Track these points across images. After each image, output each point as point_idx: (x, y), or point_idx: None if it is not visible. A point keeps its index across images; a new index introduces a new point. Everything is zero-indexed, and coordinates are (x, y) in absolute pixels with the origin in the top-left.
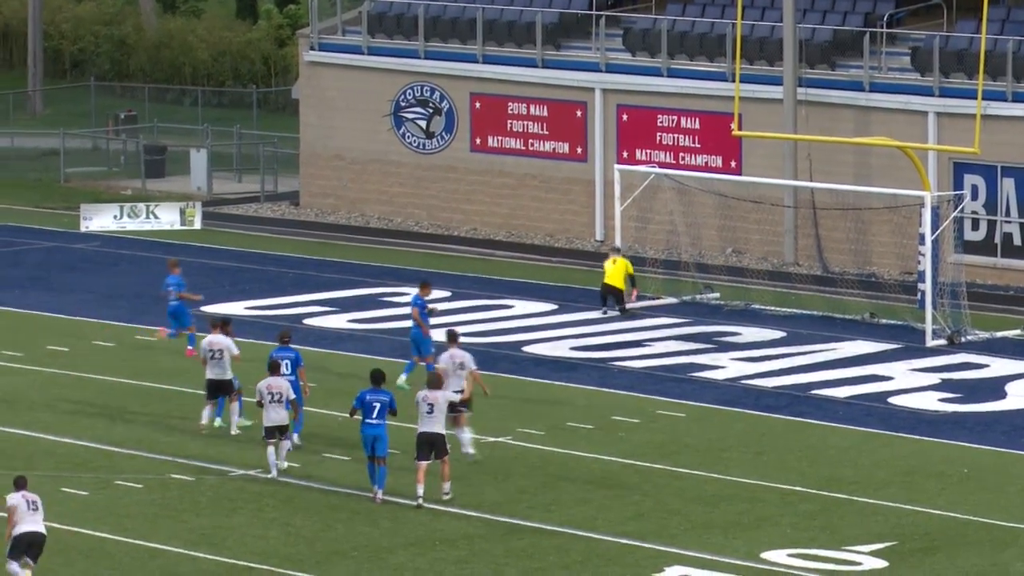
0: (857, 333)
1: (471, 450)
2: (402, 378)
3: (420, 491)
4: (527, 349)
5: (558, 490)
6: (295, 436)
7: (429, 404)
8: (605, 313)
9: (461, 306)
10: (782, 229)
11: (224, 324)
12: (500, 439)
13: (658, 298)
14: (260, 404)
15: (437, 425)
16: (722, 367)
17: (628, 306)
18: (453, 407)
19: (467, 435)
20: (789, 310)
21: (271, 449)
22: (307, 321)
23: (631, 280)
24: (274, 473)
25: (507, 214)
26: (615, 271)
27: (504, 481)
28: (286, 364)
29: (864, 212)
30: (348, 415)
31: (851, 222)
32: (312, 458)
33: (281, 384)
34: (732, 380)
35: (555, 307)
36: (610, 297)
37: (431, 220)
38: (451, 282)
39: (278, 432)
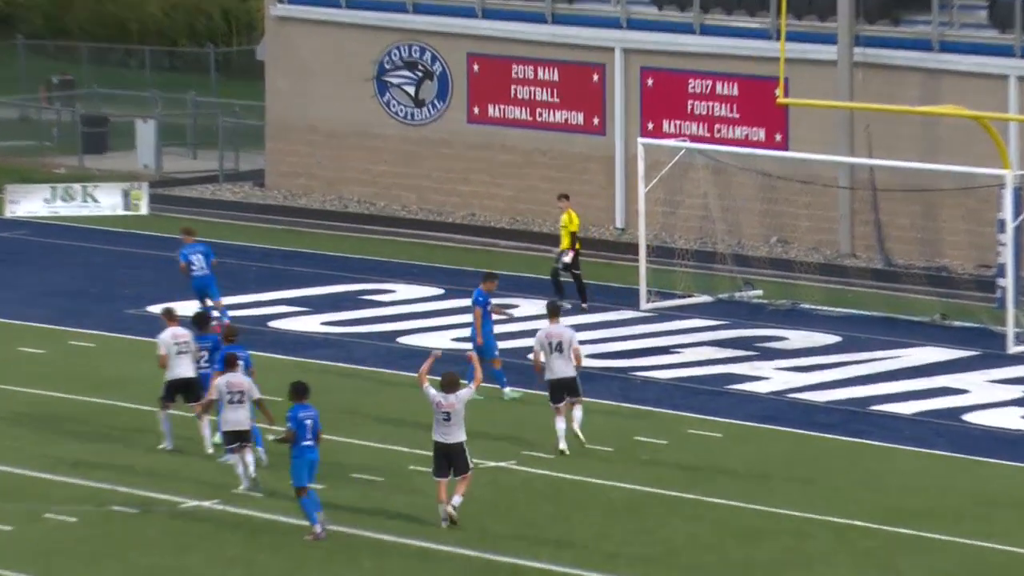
0: (925, 338)
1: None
2: (506, 390)
3: (443, 510)
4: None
5: (571, 523)
6: (260, 450)
7: (445, 412)
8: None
9: (457, 305)
10: (836, 215)
11: (170, 315)
12: (503, 464)
13: (689, 296)
14: (207, 409)
15: (456, 434)
16: (765, 378)
17: (562, 263)
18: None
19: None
20: (844, 310)
21: (235, 457)
22: (274, 324)
23: (573, 239)
24: (246, 485)
25: (511, 197)
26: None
27: (508, 513)
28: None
29: (933, 194)
30: (282, 439)
31: (917, 206)
32: (280, 485)
33: (242, 382)
34: (777, 393)
35: (566, 307)
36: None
37: (421, 204)
38: (445, 277)
39: (240, 438)
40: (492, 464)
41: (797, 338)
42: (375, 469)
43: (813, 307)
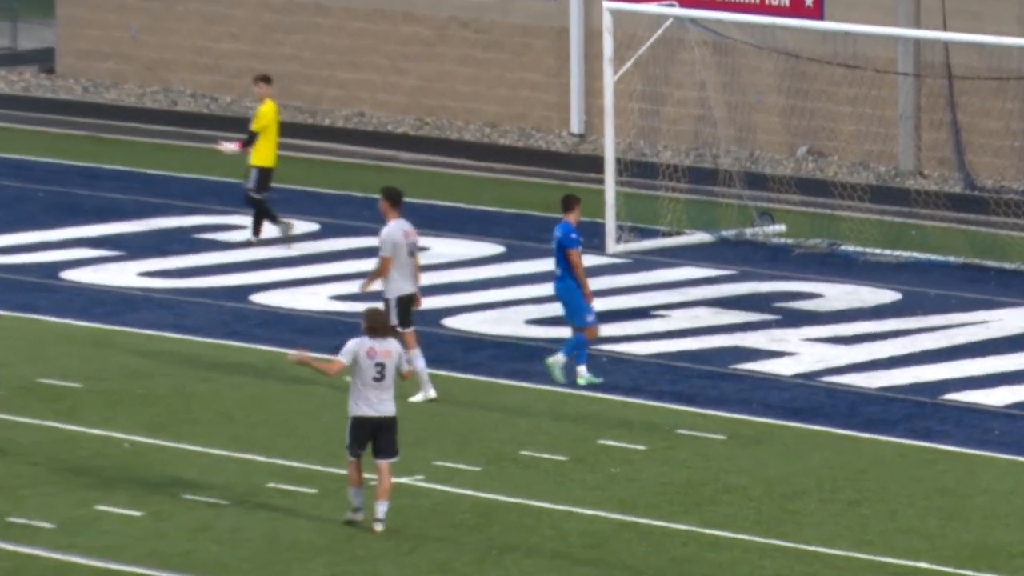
0: (1022, 294)
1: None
2: (582, 370)
3: (356, 499)
4: (451, 322)
5: (503, 568)
6: None
7: (379, 365)
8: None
9: (340, 247)
10: (893, 115)
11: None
12: (408, 479)
13: (679, 233)
14: None
15: (387, 403)
16: (790, 354)
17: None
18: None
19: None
20: (906, 254)
21: None
22: (66, 274)
23: (249, 140)
24: None
25: (417, 89)
26: (265, 138)
27: (412, 553)
28: None
29: None
30: None
31: (1014, 101)
32: (85, 512)
33: None
34: (807, 376)
35: (500, 250)
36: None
37: (286, 99)
38: (322, 206)
39: None
40: (394, 480)
41: (837, 295)
42: (217, 487)
43: (860, 250)
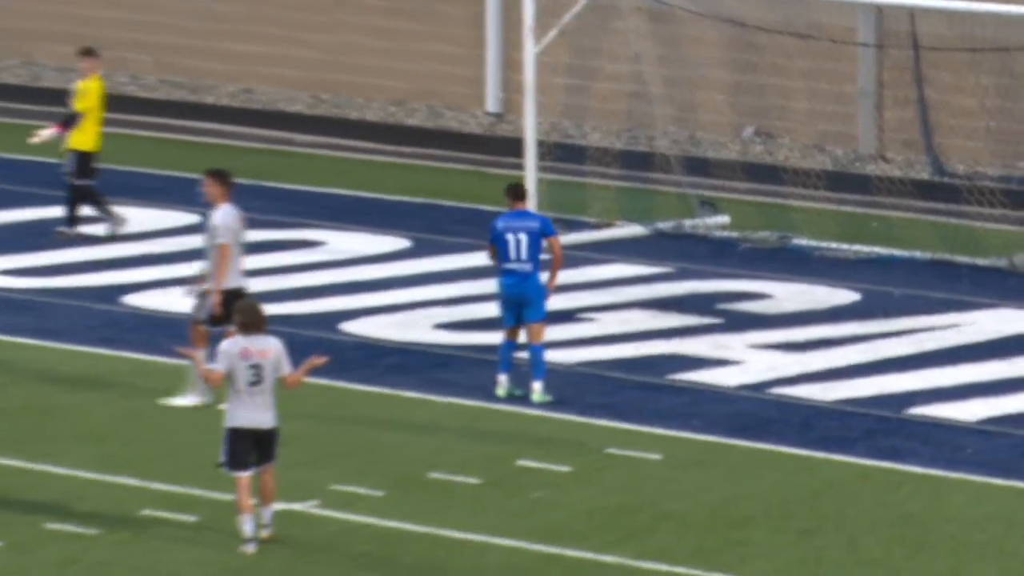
0: (999, 294)
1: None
2: (538, 386)
3: (248, 528)
4: (350, 326)
5: None
6: None
7: (254, 366)
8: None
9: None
10: (852, 91)
11: None
12: (301, 506)
13: (610, 225)
14: None
15: (268, 411)
16: (735, 362)
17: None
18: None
19: None
20: (866, 248)
21: None
22: None
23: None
24: None
25: (314, 63)
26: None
27: None
28: None
29: (1017, 58)
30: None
31: (989, 76)
32: None
33: None
34: (755, 387)
35: (406, 244)
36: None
37: (162, 74)
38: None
39: None
40: (284, 506)
41: (788, 295)
42: (84, 516)
43: (814, 244)
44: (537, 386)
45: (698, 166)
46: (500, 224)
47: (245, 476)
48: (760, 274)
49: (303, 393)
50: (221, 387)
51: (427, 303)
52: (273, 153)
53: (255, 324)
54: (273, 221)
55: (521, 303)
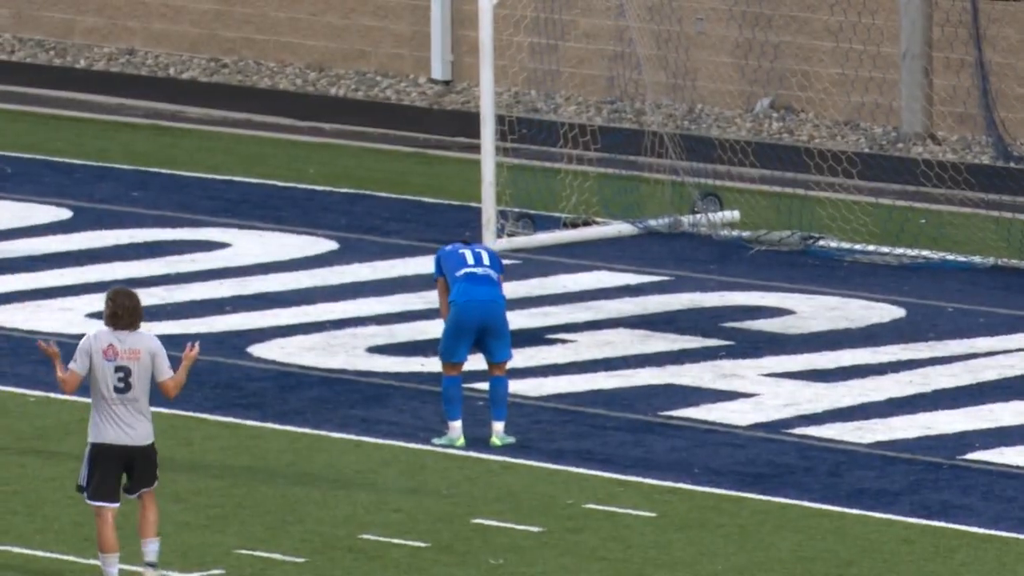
0: None
1: None
2: (499, 427)
3: (113, 572)
4: (260, 350)
5: None
6: None
7: (121, 370)
8: None
9: (101, 242)
10: (894, 52)
11: None
12: (201, 575)
13: (588, 222)
14: None
15: (141, 423)
16: (747, 395)
17: None
18: None
19: None
20: (911, 252)
21: None
22: None
23: None
24: None
25: (212, 17)
26: None
27: None
28: None
29: None
30: None
31: None
32: None
33: None
34: (770, 427)
35: (330, 247)
36: None
37: (21, 31)
38: (74, 184)
39: None
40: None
41: (813, 311)
42: None
43: (846, 246)
44: (498, 426)
45: (699, 148)
46: (447, 247)
47: (110, 508)
48: (777, 284)
49: (202, 434)
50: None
51: (358, 320)
52: (161, 131)
53: (125, 316)
54: (161, 217)
55: (485, 327)
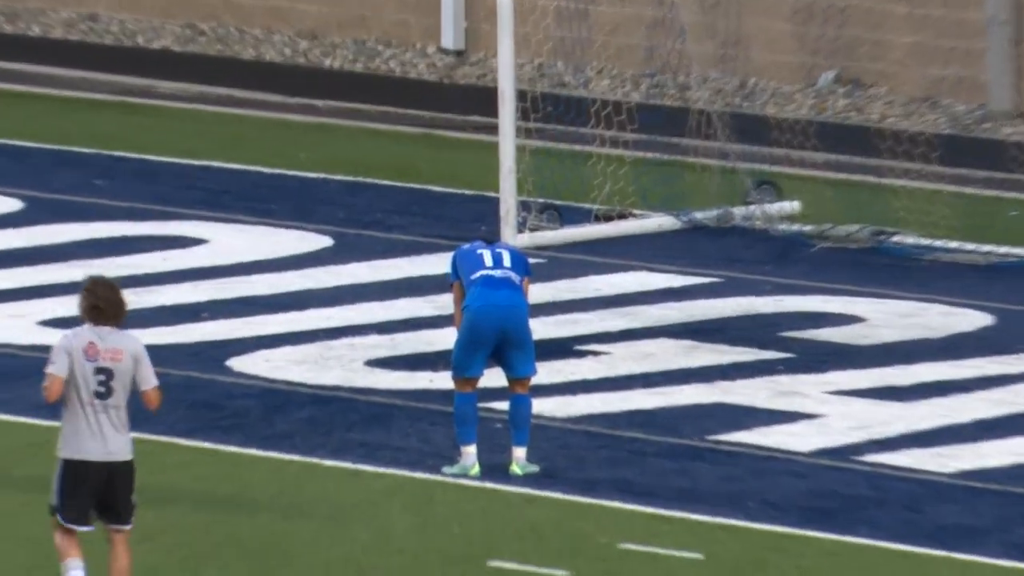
0: None
1: None
2: (520, 454)
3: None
4: (241, 363)
5: None
6: None
7: (102, 372)
8: None
9: (58, 238)
10: (979, 17)
11: None
12: None
13: (623, 214)
14: None
15: (118, 436)
16: (809, 416)
17: None
18: None
19: None
20: (1001, 250)
21: None
22: None
23: None
24: None
25: None
26: None
27: None
28: None
29: None
30: None
31: None
32: None
33: None
34: (836, 454)
35: (325, 243)
36: None
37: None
38: (28, 171)
39: None
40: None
41: (886, 317)
42: None
43: (924, 243)
44: (519, 452)
45: (753, 128)
46: (464, 246)
47: (73, 535)
48: (844, 287)
49: (174, 461)
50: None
51: (356, 329)
52: (129, 109)
53: (108, 309)
54: (128, 209)
55: (504, 337)
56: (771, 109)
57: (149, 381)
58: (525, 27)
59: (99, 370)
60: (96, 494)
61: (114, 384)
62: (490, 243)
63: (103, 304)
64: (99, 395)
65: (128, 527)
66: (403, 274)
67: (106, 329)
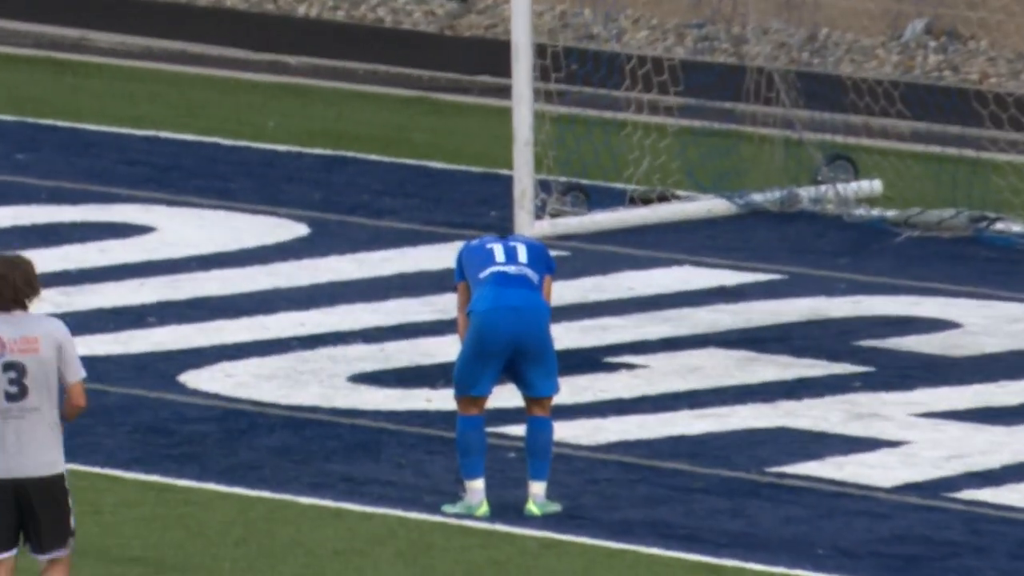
0: None
1: None
2: (538, 490)
3: None
4: (198, 379)
5: None
6: None
7: (11, 366)
8: None
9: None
10: None
11: None
12: None
13: (665, 196)
14: None
15: (38, 445)
16: (892, 443)
17: None
18: None
19: None
20: None
21: None
22: None
23: None
24: None
25: None
26: None
27: None
28: None
29: None
30: None
31: None
32: None
33: None
34: (925, 489)
35: (300, 231)
36: None
37: None
38: None
39: None
40: None
41: (986, 323)
42: None
43: None
44: (537, 488)
45: (824, 91)
46: (473, 242)
47: (3, 557)
48: (936, 285)
49: (115, 498)
50: None
51: (337, 337)
52: (58, 67)
53: (7, 290)
54: (58, 190)
55: (518, 347)
56: (846, 67)
57: (76, 373)
58: None
59: (8, 366)
60: (14, 516)
61: (27, 381)
62: (504, 237)
63: (2, 284)
64: (10, 396)
65: (61, 553)
66: (394, 269)
67: (12, 315)
